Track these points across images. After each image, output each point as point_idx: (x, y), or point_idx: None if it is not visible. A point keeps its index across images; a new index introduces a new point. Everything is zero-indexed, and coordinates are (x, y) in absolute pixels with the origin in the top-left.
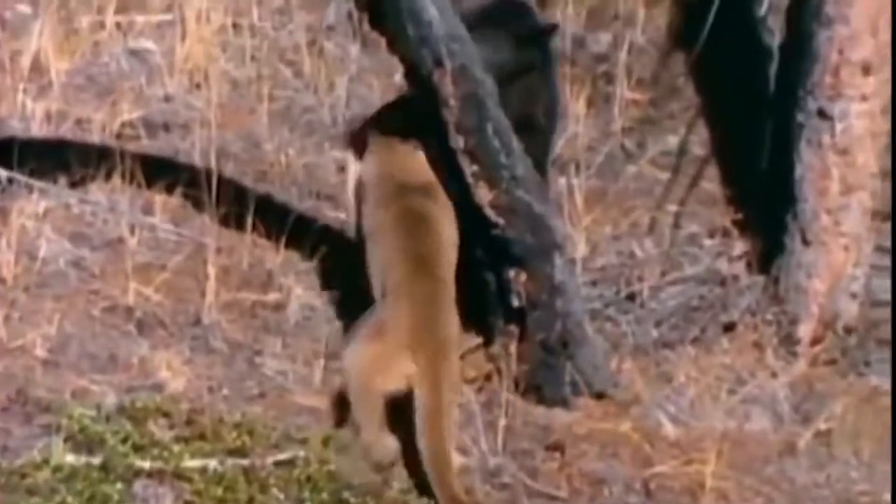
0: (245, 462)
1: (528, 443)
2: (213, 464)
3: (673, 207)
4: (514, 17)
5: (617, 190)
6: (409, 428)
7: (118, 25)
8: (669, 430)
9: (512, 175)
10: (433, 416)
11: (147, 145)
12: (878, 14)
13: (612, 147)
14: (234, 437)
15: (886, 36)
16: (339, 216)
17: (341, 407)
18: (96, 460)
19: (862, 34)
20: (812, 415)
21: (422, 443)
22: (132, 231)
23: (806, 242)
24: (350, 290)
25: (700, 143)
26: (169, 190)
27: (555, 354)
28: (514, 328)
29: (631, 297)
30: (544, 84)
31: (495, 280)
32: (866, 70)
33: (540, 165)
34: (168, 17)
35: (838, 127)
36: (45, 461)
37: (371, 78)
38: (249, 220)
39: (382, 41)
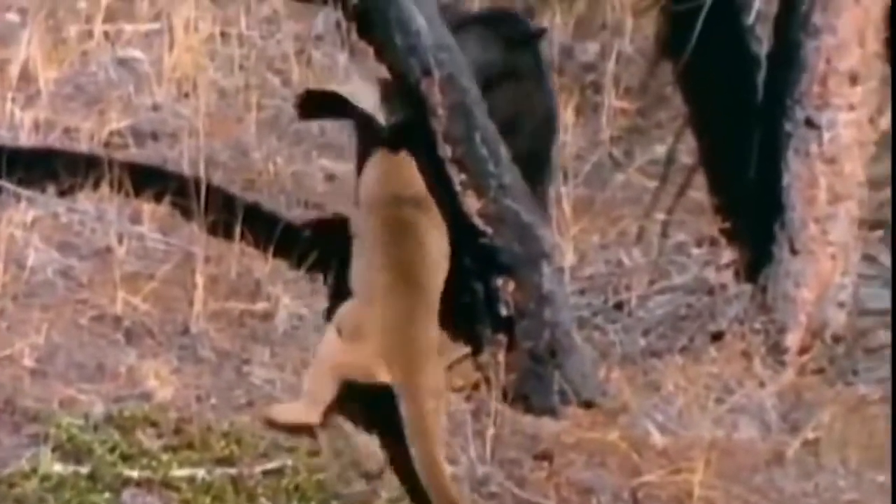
0: (233, 471)
1: (516, 452)
2: (201, 473)
3: (661, 216)
4: (503, 21)
5: (605, 199)
6: (399, 436)
7: (106, 35)
8: (657, 439)
9: (500, 184)
10: (416, 423)
11: (135, 154)
12: (865, 24)
13: (600, 156)
14: (222, 446)
15: (874, 46)
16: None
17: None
18: (84, 470)
19: (849, 44)
20: (800, 424)
21: (412, 452)
22: (120, 240)
23: (794, 251)
24: (338, 299)
25: (688, 151)
26: (157, 199)
27: (543, 363)
28: (502, 337)
29: (619, 306)
30: (538, 90)
31: (483, 289)
32: (853, 79)
33: (539, 175)
34: (156, 26)
35: (826, 136)
36: (33, 471)
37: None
38: (237, 229)
39: (370, 50)
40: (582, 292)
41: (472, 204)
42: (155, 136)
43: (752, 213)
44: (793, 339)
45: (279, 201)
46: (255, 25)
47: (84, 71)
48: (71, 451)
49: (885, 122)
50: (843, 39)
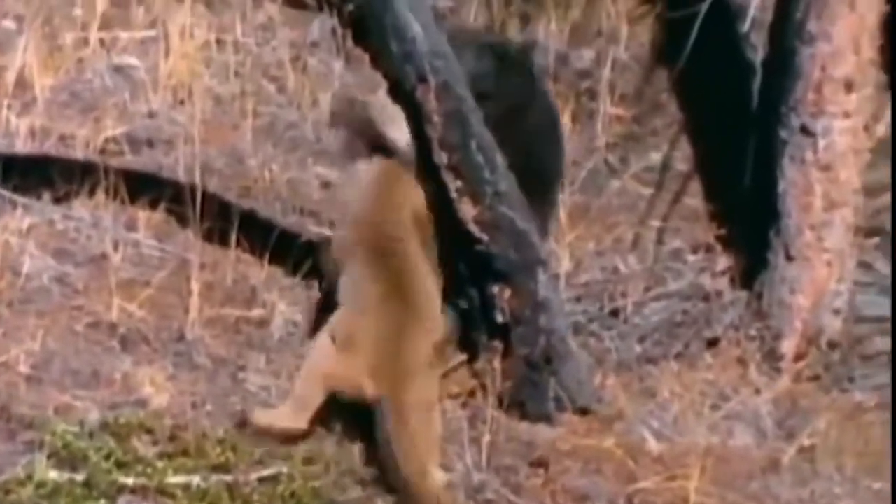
0: (228, 478)
1: (511, 459)
2: (196, 480)
3: (656, 223)
4: (495, 39)
5: (600, 205)
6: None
7: (102, 42)
8: (653, 445)
9: (496, 191)
10: (401, 439)
11: (131, 161)
12: (860, 31)
13: (595, 163)
14: (217, 453)
15: (869, 53)
16: (322, 232)
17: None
18: (79, 477)
19: (844, 51)
20: (795, 430)
21: (399, 464)
22: (116, 247)
23: (789, 258)
24: (333, 307)
25: (683, 158)
26: (153, 206)
27: (538, 370)
28: (497, 344)
29: (614, 313)
30: (535, 103)
31: (479, 296)
32: (849, 87)
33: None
34: (152, 33)
35: (821, 143)
36: (29, 477)
37: (355, 94)
38: (233, 236)
39: (366, 57)
40: (578, 299)
41: (467, 211)
42: (150, 143)
43: (748, 220)
44: (788, 346)
45: (275, 208)
46: (250, 32)
47: (80, 78)
48: (66, 457)
49: (880, 129)
50: (839, 47)
